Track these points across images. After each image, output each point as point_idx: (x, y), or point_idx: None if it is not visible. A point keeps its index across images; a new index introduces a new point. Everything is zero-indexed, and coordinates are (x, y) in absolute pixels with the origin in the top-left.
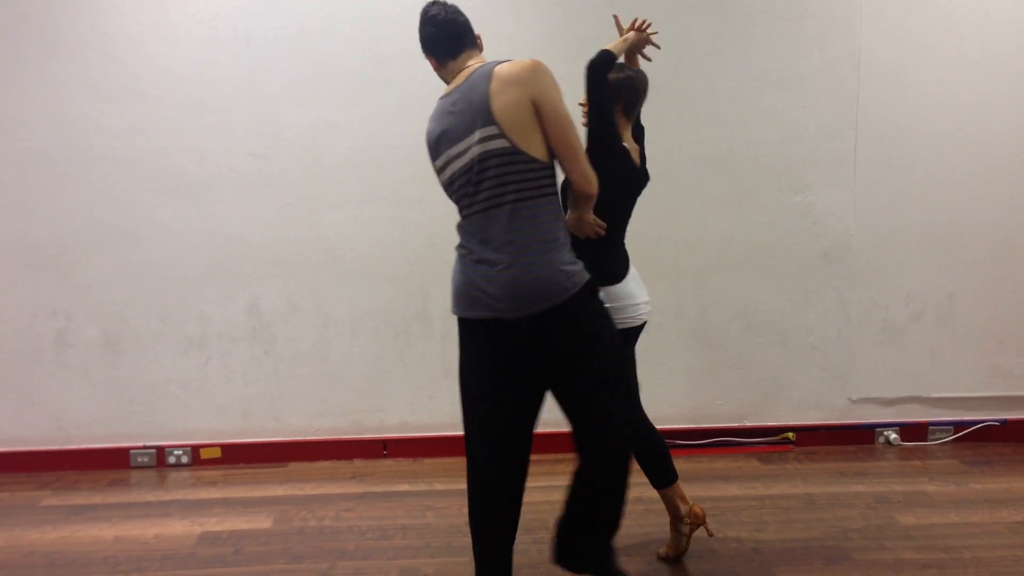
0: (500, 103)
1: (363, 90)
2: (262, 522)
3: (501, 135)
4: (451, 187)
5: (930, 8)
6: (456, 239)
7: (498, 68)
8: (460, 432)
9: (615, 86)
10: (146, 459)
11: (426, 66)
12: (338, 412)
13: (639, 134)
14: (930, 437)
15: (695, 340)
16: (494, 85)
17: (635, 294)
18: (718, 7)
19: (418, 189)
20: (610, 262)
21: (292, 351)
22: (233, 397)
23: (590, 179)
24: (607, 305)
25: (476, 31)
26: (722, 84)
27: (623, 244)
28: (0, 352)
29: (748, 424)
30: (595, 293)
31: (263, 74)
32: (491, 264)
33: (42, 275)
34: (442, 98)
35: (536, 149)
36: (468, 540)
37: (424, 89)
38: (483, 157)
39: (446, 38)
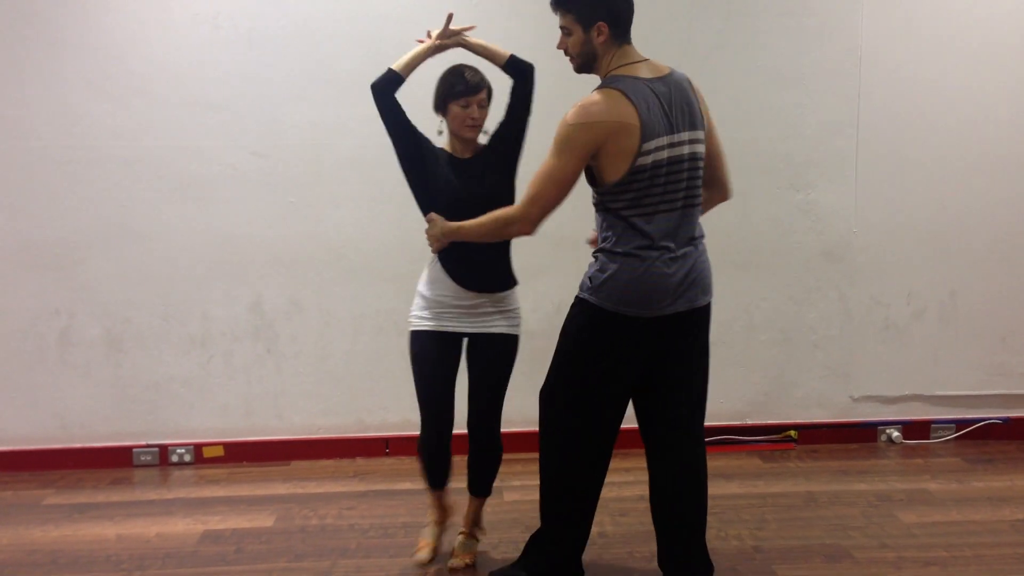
0: (704, 112)
1: (365, 89)
2: (264, 520)
3: (703, 142)
4: (645, 173)
5: (932, 5)
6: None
7: (687, 78)
8: (461, 430)
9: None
10: (149, 457)
11: (427, 65)
12: (340, 410)
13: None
14: (932, 435)
15: None
16: (699, 95)
17: None
18: (720, 4)
19: None
20: None
21: (295, 350)
22: (236, 396)
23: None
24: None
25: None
26: (723, 81)
27: None
28: (3, 351)
29: (750, 422)
30: None
31: (266, 73)
32: (683, 258)
33: (45, 274)
34: (639, 80)
35: None
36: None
37: (425, 89)
38: (693, 157)
39: (633, 20)
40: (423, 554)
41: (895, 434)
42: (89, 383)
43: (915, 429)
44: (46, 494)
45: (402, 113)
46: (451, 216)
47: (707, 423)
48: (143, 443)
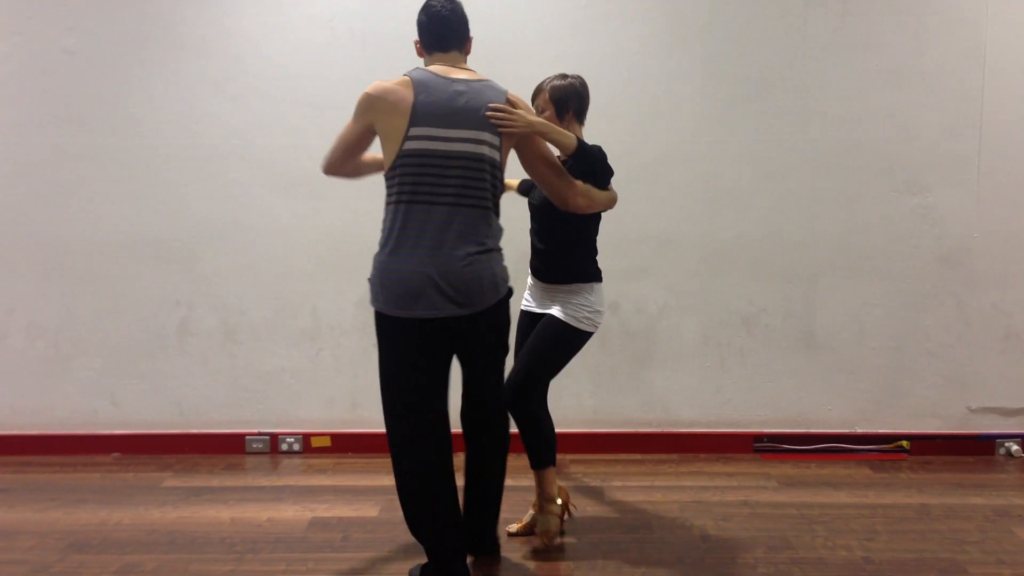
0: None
1: None
2: (370, 510)
3: (498, 148)
4: (413, 159)
5: None
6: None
7: (514, 97)
8: (563, 429)
9: (564, 95)
10: (260, 445)
11: (533, 66)
12: None
13: None
14: None
15: (804, 343)
16: (509, 103)
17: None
18: (836, 3)
19: None
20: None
21: None
22: (343, 388)
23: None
24: (598, 309)
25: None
26: (837, 81)
27: None
28: (127, 339)
29: (860, 431)
30: None
31: (377, 74)
32: (430, 259)
33: (166, 267)
34: (438, 76)
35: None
36: (570, 536)
37: (530, 87)
38: (475, 157)
39: (448, 35)
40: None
41: (1014, 447)
42: (206, 372)
43: None
44: (164, 477)
45: None
46: (539, 215)
47: (814, 430)
48: (255, 431)
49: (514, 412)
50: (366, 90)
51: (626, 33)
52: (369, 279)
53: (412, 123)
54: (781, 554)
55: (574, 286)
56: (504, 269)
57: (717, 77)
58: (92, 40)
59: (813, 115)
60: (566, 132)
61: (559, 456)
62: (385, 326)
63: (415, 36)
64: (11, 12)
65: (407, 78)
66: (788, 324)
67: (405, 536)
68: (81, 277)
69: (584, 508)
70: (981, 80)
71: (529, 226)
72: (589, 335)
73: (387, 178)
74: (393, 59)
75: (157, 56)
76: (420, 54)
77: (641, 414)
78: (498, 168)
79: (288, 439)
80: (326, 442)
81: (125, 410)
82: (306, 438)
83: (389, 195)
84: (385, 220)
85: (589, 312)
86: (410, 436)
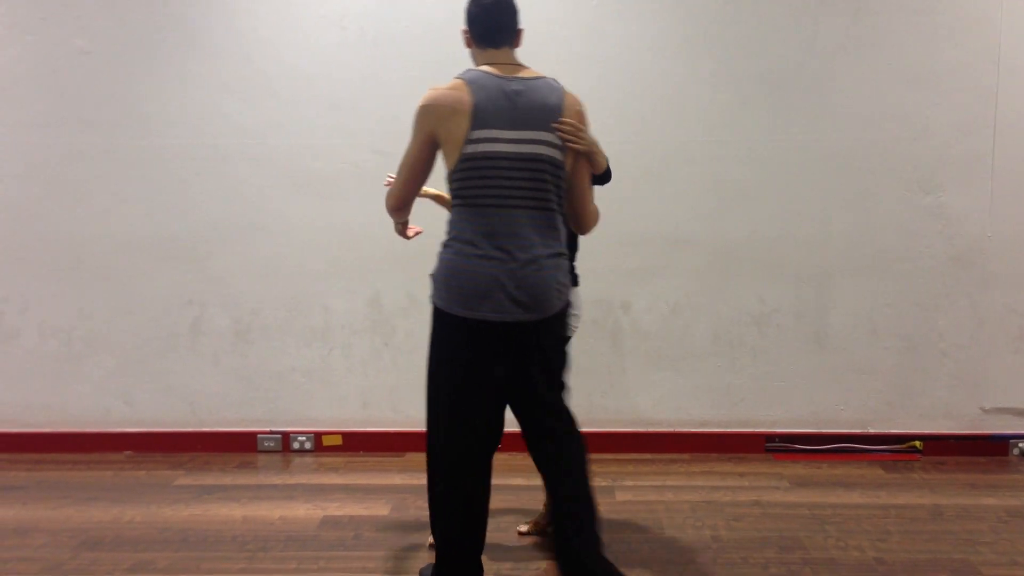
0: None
1: None
2: (381, 509)
3: (561, 148)
4: (475, 162)
5: None
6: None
7: (567, 92)
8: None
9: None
10: (272, 444)
11: (545, 64)
12: None
13: None
14: None
15: (816, 343)
16: (566, 104)
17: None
18: (849, 2)
19: None
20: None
21: (411, 344)
22: (354, 387)
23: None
24: (575, 312)
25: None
26: (850, 80)
27: None
28: (139, 338)
29: (872, 431)
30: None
31: (389, 74)
32: (499, 261)
33: (179, 266)
34: (493, 75)
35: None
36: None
37: None
38: (537, 158)
39: (502, 28)
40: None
41: None
42: (218, 370)
43: None
44: (177, 475)
45: None
46: None
47: (826, 430)
48: (267, 430)
49: None
50: (420, 102)
51: (637, 33)
52: (432, 275)
53: (473, 126)
54: (793, 554)
55: None
56: (567, 275)
57: (729, 76)
58: (105, 41)
59: (825, 114)
60: (603, 153)
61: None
62: (444, 324)
63: (443, 33)
64: (24, 13)
65: (460, 80)
66: (800, 324)
67: (416, 535)
68: (94, 276)
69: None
70: (995, 79)
71: None
72: (569, 339)
73: (449, 181)
74: (404, 58)
75: (169, 56)
76: (468, 45)
77: (652, 413)
78: (561, 169)
79: (300, 438)
80: (337, 441)
81: (137, 408)
82: (318, 437)
83: (456, 199)
84: (450, 221)
85: (568, 317)
86: (448, 440)
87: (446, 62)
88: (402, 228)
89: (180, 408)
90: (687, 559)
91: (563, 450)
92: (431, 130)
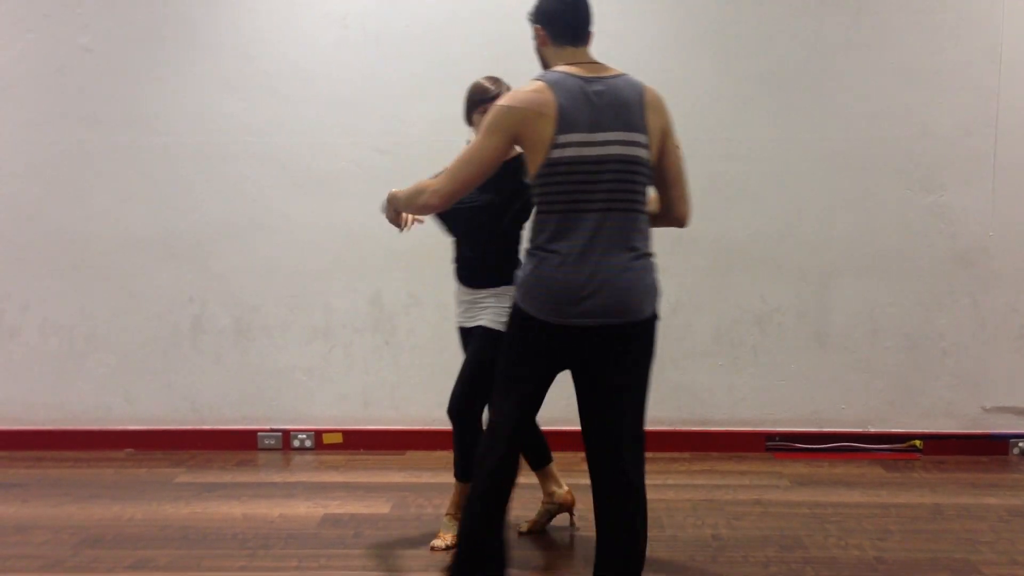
0: (651, 120)
1: None
2: (381, 507)
3: (646, 147)
4: (561, 167)
5: None
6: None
7: (646, 86)
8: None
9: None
10: (272, 441)
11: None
12: None
13: None
14: None
15: (818, 342)
16: (648, 100)
17: None
18: (851, 1)
19: None
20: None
21: (412, 342)
22: (355, 385)
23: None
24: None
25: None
26: (853, 79)
27: None
28: (141, 336)
29: (873, 430)
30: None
31: (390, 73)
32: (590, 264)
33: (180, 263)
34: (574, 76)
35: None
36: (581, 534)
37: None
38: (621, 159)
39: (585, 24)
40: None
41: None
42: (219, 368)
43: None
44: (178, 472)
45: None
46: (469, 221)
47: (827, 429)
48: (267, 428)
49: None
50: (504, 103)
51: (638, 32)
52: (516, 280)
53: (558, 130)
54: (793, 553)
55: (501, 288)
56: (657, 281)
57: (730, 76)
58: (107, 39)
59: (828, 113)
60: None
61: (571, 453)
62: (526, 327)
63: (445, 32)
64: (27, 10)
65: (542, 83)
66: (801, 323)
67: (416, 532)
68: (95, 274)
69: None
70: (997, 78)
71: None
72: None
73: (533, 187)
74: (406, 57)
75: (172, 55)
76: (543, 44)
77: (653, 412)
78: (647, 167)
79: (300, 436)
80: (338, 439)
81: (138, 406)
82: (318, 435)
83: (538, 204)
84: (533, 226)
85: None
86: (494, 440)
87: (447, 61)
88: (396, 216)
89: (181, 406)
90: (688, 558)
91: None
92: (515, 132)
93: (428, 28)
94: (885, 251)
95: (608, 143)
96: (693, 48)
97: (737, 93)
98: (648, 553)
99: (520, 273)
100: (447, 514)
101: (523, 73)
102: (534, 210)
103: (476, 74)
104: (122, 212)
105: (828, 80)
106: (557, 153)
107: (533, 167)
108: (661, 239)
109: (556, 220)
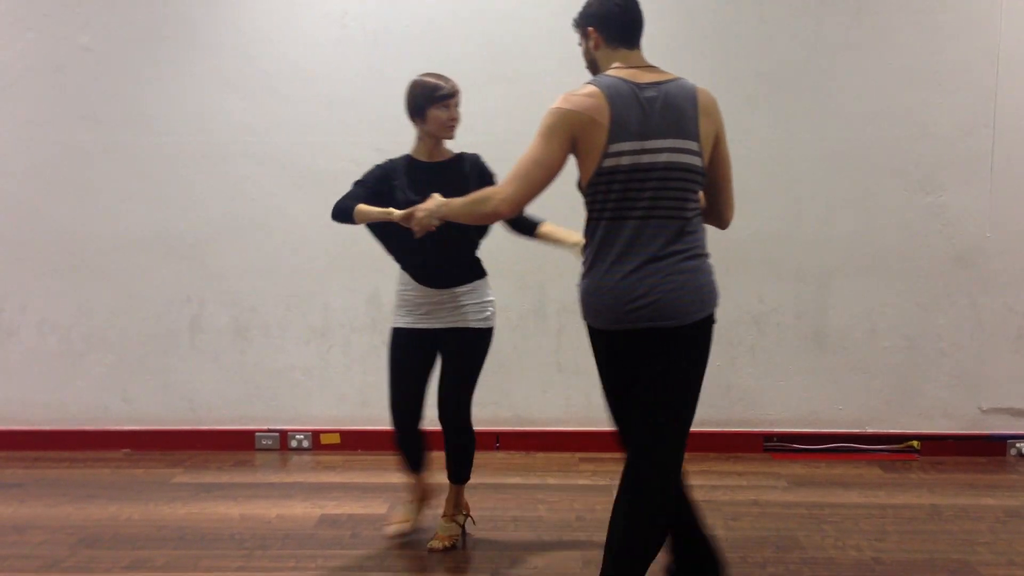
0: (704, 126)
1: (486, 88)
2: (379, 507)
3: (699, 154)
4: (613, 175)
5: None
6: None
7: (700, 89)
8: (573, 428)
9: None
10: (270, 442)
11: (545, 62)
12: None
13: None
14: None
15: (816, 342)
16: (701, 105)
17: None
18: (850, 1)
19: None
20: None
21: None
22: (353, 385)
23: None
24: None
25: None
26: (852, 80)
27: None
28: (139, 335)
29: (870, 431)
30: None
31: (389, 72)
32: (639, 272)
33: (179, 263)
34: (627, 81)
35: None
36: (579, 535)
37: (543, 84)
38: (672, 167)
39: (638, 25)
40: (393, 528)
41: None
42: (217, 368)
43: None
44: (175, 473)
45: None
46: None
47: (825, 429)
48: (265, 428)
49: (467, 431)
50: (561, 105)
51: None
52: (578, 287)
53: (611, 139)
54: (791, 554)
55: (474, 284)
56: (713, 282)
57: (730, 76)
58: (107, 38)
59: (827, 114)
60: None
61: (568, 454)
62: (592, 336)
63: (444, 31)
64: (27, 9)
65: (596, 88)
66: (800, 323)
67: (414, 534)
68: (93, 273)
69: (594, 507)
70: (995, 79)
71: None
72: (491, 331)
73: (584, 195)
74: (405, 56)
75: (171, 54)
76: (596, 47)
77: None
78: (699, 174)
79: (298, 436)
80: (336, 439)
81: (136, 406)
82: (316, 435)
83: (590, 212)
84: (585, 234)
85: (490, 306)
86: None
87: (446, 60)
88: (430, 225)
89: (178, 406)
90: None
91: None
92: (573, 134)
93: (428, 28)
94: (884, 251)
95: (659, 151)
96: (692, 48)
97: (736, 93)
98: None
99: (579, 286)
100: (443, 515)
101: (523, 73)
102: (585, 217)
103: (476, 74)
104: (120, 211)
105: (827, 80)
106: (609, 162)
107: (585, 174)
108: None
109: (606, 227)
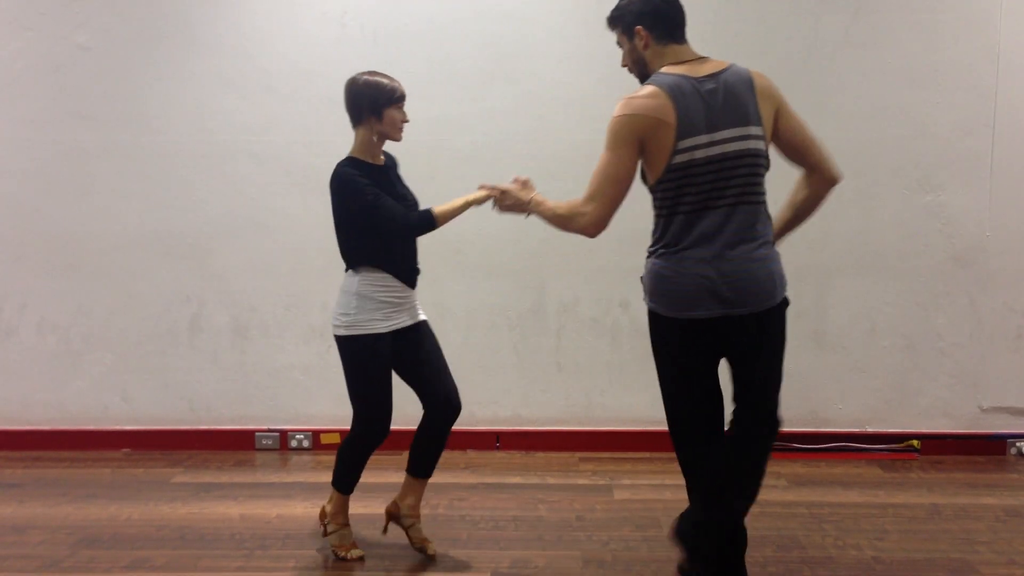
0: (763, 108)
1: (485, 87)
2: (379, 508)
3: (762, 138)
4: (683, 171)
5: None
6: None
7: (754, 73)
8: (572, 427)
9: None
10: (270, 442)
11: (546, 62)
12: None
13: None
14: None
15: (815, 342)
16: (758, 88)
17: None
18: (849, 0)
19: (538, 185)
20: None
21: None
22: None
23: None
24: None
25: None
26: (851, 79)
27: None
28: (138, 335)
29: (870, 430)
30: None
31: (389, 71)
32: (721, 260)
33: (178, 262)
34: (686, 76)
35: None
36: (579, 535)
37: (543, 85)
38: (742, 154)
39: (683, 19)
40: (356, 552)
41: None
42: (216, 368)
43: None
44: (174, 472)
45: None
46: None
47: (824, 429)
48: (265, 427)
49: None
50: (623, 112)
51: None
52: (641, 278)
53: (679, 136)
54: (791, 553)
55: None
56: (782, 269)
57: None
58: (105, 37)
59: (826, 113)
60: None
61: (568, 454)
62: (661, 326)
63: (443, 31)
64: (24, 8)
65: (658, 88)
66: (799, 322)
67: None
68: (92, 273)
69: (594, 506)
70: (995, 78)
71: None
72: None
73: (653, 191)
74: (405, 55)
75: (169, 53)
76: (645, 46)
77: (651, 412)
78: (764, 158)
79: (298, 436)
80: (336, 439)
81: (136, 406)
82: (316, 435)
83: (659, 208)
84: (655, 228)
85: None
86: (681, 429)
87: (446, 61)
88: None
89: (178, 405)
90: None
91: (754, 444)
92: (640, 139)
93: (427, 27)
94: (883, 251)
95: (728, 140)
96: (692, 47)
97: None
98: (646, 553)
99: (647, 278)
100: (414, 516)
101: (523, 73)
102: (655, 212)
103: (476, 74)
104: (120, 211)
105: (826, 79)
106: (680, 159)
107: (654, 173)
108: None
109: (676, 221)
